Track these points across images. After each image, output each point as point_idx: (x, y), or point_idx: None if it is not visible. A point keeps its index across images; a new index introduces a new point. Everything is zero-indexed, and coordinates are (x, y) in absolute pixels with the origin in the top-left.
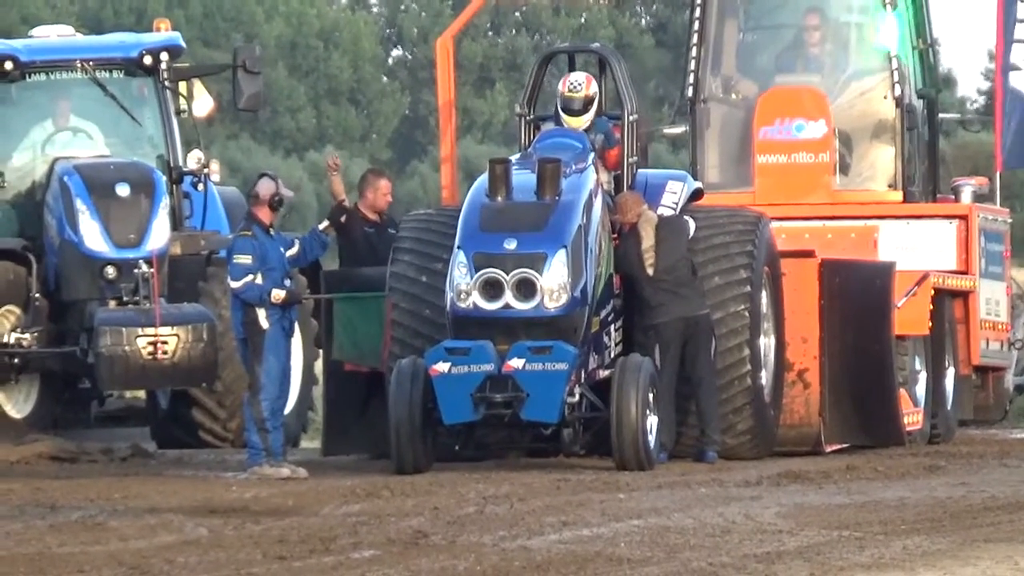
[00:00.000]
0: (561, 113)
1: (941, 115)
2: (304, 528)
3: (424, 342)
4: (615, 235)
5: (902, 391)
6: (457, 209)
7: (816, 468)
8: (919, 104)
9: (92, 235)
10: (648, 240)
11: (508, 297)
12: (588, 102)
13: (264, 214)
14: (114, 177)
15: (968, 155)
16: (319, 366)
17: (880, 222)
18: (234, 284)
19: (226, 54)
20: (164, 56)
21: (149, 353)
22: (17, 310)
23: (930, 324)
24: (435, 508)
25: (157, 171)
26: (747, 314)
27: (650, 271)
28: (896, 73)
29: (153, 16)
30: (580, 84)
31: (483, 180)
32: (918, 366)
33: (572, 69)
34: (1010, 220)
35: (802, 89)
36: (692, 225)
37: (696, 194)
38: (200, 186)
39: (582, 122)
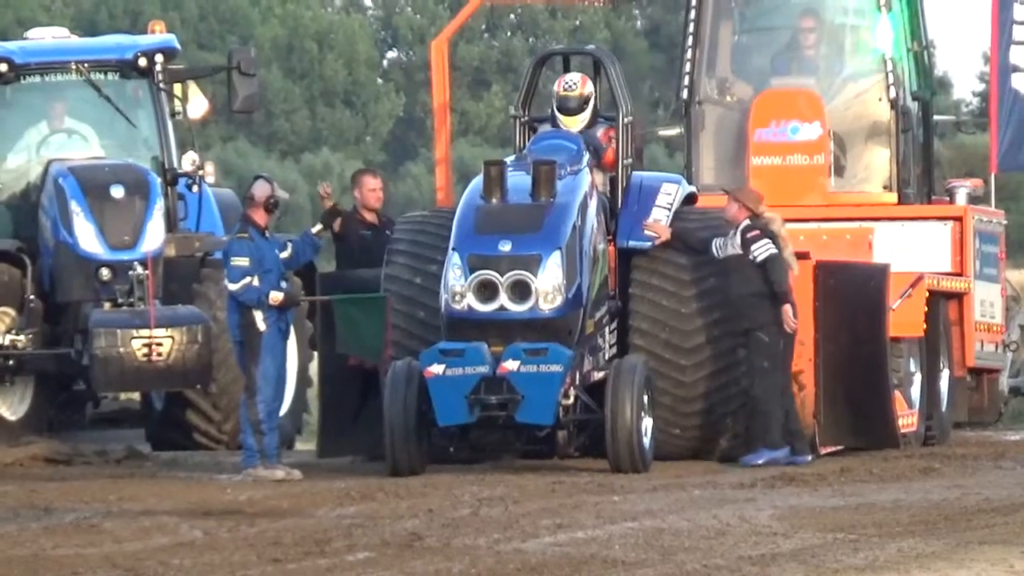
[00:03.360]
0: (557, 113)
1: (936, 117)
2: (299, 530)
3: (419, 344)
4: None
5: (897, 393)
6: (452, 211)
7: (811, 470)
8: (914, 106)
9: (87, 237)
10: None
11: (503, 299)
12: (584, 101)
13: (260, 216)
14: (109, 179)
15: (963, 157)
16: (314, 368)
17: (875, 224)
18: (232, 286)
19: (221, 56)
20: (159, 58)
21: (144, 355)
22: (12, 312)
23: (925, 326)
24: (430, 510)
25: (152, 173)
26: None
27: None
28: (891, 75)
29: (148, 18)
30: (575, 83)
31: (478, 182)
32: (913, 368)
33: (567, 71)
34: (1005, 222)
35: (797, 91)
36: None
37: (690, 198)
38: (195, 188)
39: (578, 122)
